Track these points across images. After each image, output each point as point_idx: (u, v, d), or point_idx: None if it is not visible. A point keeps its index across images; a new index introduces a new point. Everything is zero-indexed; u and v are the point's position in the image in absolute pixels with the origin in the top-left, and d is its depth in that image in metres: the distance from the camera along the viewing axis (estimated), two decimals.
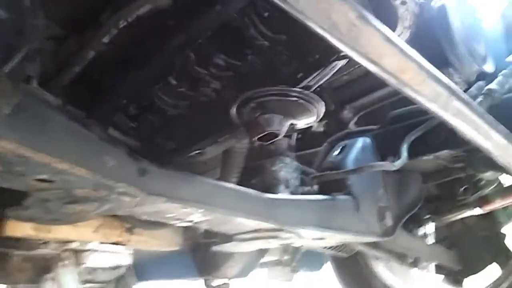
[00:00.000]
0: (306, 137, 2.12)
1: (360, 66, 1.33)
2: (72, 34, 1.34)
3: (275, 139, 1.14)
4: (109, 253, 1.68)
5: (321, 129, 2.13)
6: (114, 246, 1.70)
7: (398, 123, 1.76)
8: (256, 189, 1.40)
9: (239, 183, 1.67)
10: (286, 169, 1.68)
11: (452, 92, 0.90)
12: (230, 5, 1.07)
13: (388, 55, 0.73)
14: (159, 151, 1.38)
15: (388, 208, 1.63)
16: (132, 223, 1.72)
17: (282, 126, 1.10)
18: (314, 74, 1.09)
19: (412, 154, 1.56)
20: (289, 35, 1.17)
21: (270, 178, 1.63)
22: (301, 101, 1.07)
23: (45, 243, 1.62)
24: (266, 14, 1.15)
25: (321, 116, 1.13)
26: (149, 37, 1.21)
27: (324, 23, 0.62)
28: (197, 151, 1.32)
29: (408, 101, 1.76)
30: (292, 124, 1.14)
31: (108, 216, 1.65)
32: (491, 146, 1.10)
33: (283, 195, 1.42)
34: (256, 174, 1.74)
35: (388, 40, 0.72)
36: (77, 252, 1.60)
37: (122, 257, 1.72)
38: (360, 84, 1.57)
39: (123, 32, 1.15)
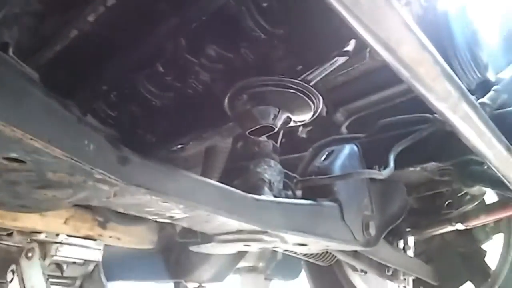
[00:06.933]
0: (291, 141, 2.07)
1: (358, 66, 1.29)
2: (54, 11, 1.27)
3: (269, 133, 1.06)
4: (78, 247, 1.58)
5: (304, 135, 2.09)
6: (84, 240, 1.60)
7: (386, 132, 1.73)
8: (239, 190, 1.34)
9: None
10: (271, 171, 1.62)
11: (462, 94, 0.85)
12: None
13: (407, 43, 0.67)
14: (139, 143, 1.27)
15: (372, 218, 1.58)
16: (105, 216, 1.62)
17: (277, 119, 1.03)
18: (314, 68, 1.02)
19: (399, 164, 1.55)
20: (288, 29, 1.11)
21: (254, 179, 1.57)
22: (300, 94, 0.99)
23: (9, 234, 1.52)
24: (265, 5, 1.08)
25: (318, 113, 1.06)
26: (139, 19, 1.13)
27: None
28: (179, 146, 1.25)
29: (397, 110, 1.75)
30: (287, 118, 1.06)
31: (80, 207, 1.55)
32: (492, 156, 1.06)
33: (268, 197, 1.35)
34: (238, 175, 1.68)
35: (408, 26, 0.66)
36: (44, 244, 1.49)
37: (92, 252, 1.62)
38: (355, 86, 1.52)
39: (111, 11, 1.07)
